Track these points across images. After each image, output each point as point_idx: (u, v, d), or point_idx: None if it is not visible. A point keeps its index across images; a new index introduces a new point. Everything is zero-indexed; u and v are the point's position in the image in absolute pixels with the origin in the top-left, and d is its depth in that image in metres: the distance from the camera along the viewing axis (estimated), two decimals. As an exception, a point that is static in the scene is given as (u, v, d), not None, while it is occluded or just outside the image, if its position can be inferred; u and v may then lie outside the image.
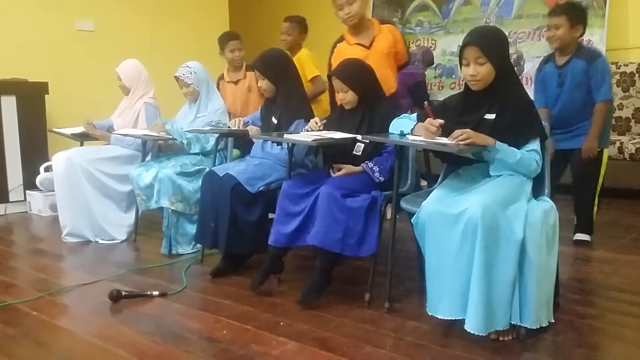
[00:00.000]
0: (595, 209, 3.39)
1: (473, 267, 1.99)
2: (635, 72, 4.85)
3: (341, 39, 3.32)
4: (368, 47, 3.20)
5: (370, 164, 2.62)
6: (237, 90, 4.09)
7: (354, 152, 2.67)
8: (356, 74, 2.68)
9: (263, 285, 2.67)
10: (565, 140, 3.34)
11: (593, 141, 3.27)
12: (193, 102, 3.61)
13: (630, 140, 4.52)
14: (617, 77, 4.88)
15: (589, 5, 4.97)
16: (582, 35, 3.32)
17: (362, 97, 2.68)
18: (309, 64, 3.99)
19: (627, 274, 2.90)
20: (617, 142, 4.49)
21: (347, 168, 2.66)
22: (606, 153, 3.37)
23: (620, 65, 4.89)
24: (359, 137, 2.59)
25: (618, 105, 4.87)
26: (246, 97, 4.06)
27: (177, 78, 3.53)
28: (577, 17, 3.27)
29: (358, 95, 2.67)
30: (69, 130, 3.91)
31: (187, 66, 3.54)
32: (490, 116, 2.27)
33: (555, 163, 3.02)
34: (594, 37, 4.87)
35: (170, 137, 3.46)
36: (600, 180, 3.35)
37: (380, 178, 2.59)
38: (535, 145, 2.25)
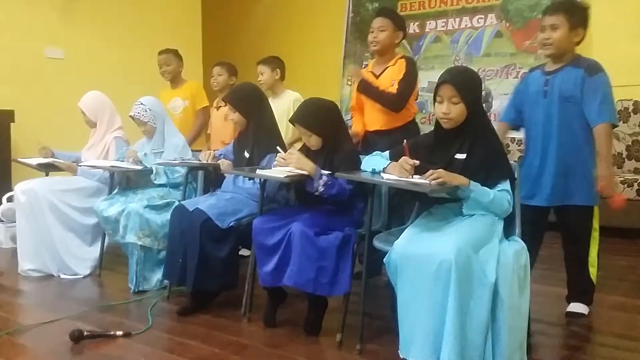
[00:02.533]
0: (595, 269, 2.80)
1: (447, 309, 1.97)
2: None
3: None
4: (377, 76, 3.29)
5: (325, 177, 2.50)
6: (218, 115, 4.12)
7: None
8: (317, 118, 2.66)
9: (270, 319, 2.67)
10: (553, 192, 2.67)
11: (605, 169, 2.60)
12: (150, 137, 3.55)
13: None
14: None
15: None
16: (581, 42, 2.69)
17: (325, 139, 2.67)
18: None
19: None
20: (635, 184, 4.42)
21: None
22: (597, 210, 2.76)
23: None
24: (325, 172, 2.54)
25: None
26: (223, 125, 4.07)
27: (132, 117, 3.47)
28: (579, 17, 2.65)
29: (321, 138, 2.66)
30: (34, 161, 3.81)
31: (142, 103, 3.46)
32: (461, 156, 2.29)
33: (531, 223, 2.57)
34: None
35: (139, 167, 3.39)
36: (597, 234, 2.78)
37: (320, 189, 2.48)
38: (506, 185, 2.27)
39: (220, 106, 4.15)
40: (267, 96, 3.83)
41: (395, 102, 3.18)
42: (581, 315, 2.79)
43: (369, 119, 3.34)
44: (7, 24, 4.97)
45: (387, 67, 3.28)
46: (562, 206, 2.73)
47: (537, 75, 2.77)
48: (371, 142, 3.28)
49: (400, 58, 3.31)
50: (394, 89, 3.17)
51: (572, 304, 2.84)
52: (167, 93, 4.48)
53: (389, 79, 3.24)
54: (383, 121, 3.26)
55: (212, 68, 4.33)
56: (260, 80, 3.94)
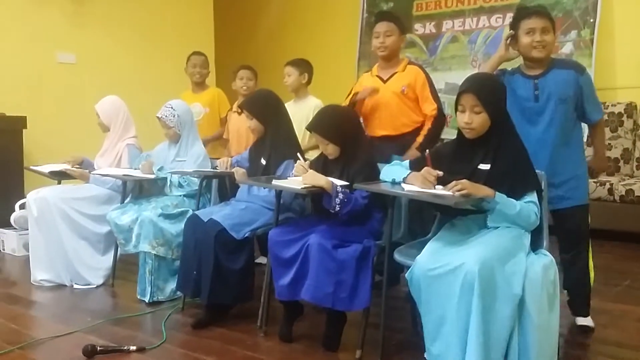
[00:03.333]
0: (592, 275, 2.78)
1: (470, 324, 1.89)
2: (623, 112, 4.84)
3: (369, 70, 3.38)
4: (384, 82, 3.23)
5: (341, 194, 2.41)
6: (241, 120, 4.02)
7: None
8: (334, 126, 2.58)
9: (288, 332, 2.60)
10: (549, 194, 2.50)
11: (604, 159, 2.84)
12: (173, 143, 3.48)
13: (620, 181, 4.48)
14: (606, 117, 4.86)
15: (576, 46, 4.99)
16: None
17: (343, 148, 2.59)
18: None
19: (623, 325, 2.81)
20: (607, 184, 4.44)
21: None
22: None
23: (608, 106, 4.88)
24: (340, 182, 2.46)
25: (607, 146, 4.84)
26: (246, 128, 3.98)
27: (159, 118, 3.41)
28: (554, 22, 2.65)
29: (338, 147, 2.59)
30: (47, 168, 3.76)
31: (171, 107, 3.39)
32: (485, 166, 2.21)
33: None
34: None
35: (152, 175, 3.33)
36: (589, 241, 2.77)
37: (337, 208, 2.39)
38: (532, 197, 2.19)
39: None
40: (289, 99, 3.79)
41: (439, 121, 3.20)
42: (592, 329, 2.72)
43: (376, 124, 3.25)
44: (18, 30, 4.94)
45: (396, 73, 3.20)
46: (558, 209, 2.62)
47: (520, 79, 2.64)
48: (378, 148, 3.18)
49: (409, 64, 3.25)
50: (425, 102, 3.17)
51: (580, 319, 2.76)
52: (188, 96, 4.35)
53: (399, 85, 3.17)
54: (391, 127, 3.18)
55: (237, 71, 4.17)
56: (286, 82, 3.83)
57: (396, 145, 3.11)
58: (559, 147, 2.60)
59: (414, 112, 3.20)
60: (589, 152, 2.78)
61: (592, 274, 2.75)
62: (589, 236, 2.73)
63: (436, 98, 3.20)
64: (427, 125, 3.17)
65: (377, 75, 3.28)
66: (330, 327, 2.50)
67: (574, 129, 2.66)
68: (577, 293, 2.74)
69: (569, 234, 2.68)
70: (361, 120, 3.19)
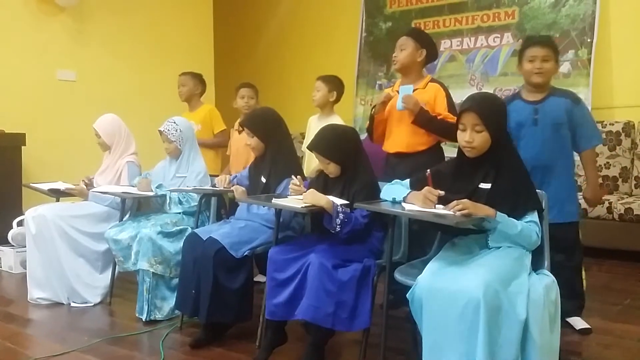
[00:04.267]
0: (584, 282, 2.99)
1: (477, 349, 1.87)
2: (621, 131, 4.86)
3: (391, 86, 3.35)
4: None
5: (342, 214, 2.39)
6: (240, 139, 4.02)
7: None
8: (334, 146, 2.57)
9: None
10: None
11: (597, 189, 2.97)
12: (174, 159, 3.48)
13: (619, 200, 4.49)
14: (603, 135, 4.88)
15: (574, 65, 5.03)
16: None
17: (344, 167, 2.59)
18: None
19: (626, 345, 2.79)
20: (606, 202, 4.44)
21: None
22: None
23: (606, 125, 4.90)
24: (340, 201, 2.45)
25: (605, 165, 4.86)
26: (244, 147, 3.98)
27: (160, 132, 3.41)
28: (557, 51, 2.89)
29: (339, 166, 2.58)
30: (46, 186, 3.75)
31: (174, 122, 3.40)
32: (486, 186, 2.21)
33: None
34: (580, 96, 4.87)
35: (151, 193, 3.33)
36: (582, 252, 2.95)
37: (337, 228, 2.38)
38: (533, 216, 2.18)
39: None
40: (314, 114, 3.81)
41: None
42: (589, 329, 2.90)
43: (393, 140, 3.18)
44: (18, 47, 4.95)
45: (416, 90, 3.11)
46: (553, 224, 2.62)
47: (520, 104, 2.89)
48: (392, 164, 3.16)
49: (431, 82, 3.17)
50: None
51: (576, 319, 2.94)
52: (185, 115, 4.40)
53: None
54: (406, 144, 3.11)
55: (238, 89, 4.17)
56: (314, 96, 3.76)
57: (411, 163, 3.01)
58: (549, 168, 2.80)
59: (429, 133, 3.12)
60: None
61: (584, 282, 2.94)
62: (581, 247, 2.92)
63: (455, 114, 3.01)
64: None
65: (397, 90, 3.18)
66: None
67: (570, 153, 2.90)
68: (572, 297, 2.85)
69: (562, 246, 2.72)
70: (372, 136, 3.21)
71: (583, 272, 2.98)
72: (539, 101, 2.85)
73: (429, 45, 3.20)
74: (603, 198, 4.46)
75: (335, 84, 3.76)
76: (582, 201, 3.10)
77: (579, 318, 2.96)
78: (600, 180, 4.50)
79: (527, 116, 2.84)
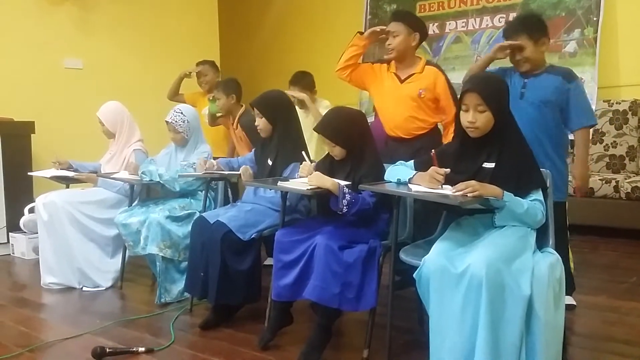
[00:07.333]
0: (572, 264, 2.96)
1: (478, 327, 1.89)
2: (628, 109, 4.84)
3: (386, 61, 3.25)
4: (402, 81, 3.15)
5: (348, 195, 2.41)
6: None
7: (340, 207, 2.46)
8: (341, 129, 2.58)
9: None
10: None
11: (585, 170, 2.90)
12: (180, 146, 3.50)
13: (626, 178, 4.48)
14: (610, 114, 4.88)
15: (580, 44, 4.99)
16: (547, 47, 2.86)
17: (350, 150, 2.60)
18: None
19: (631, 323, 2.81)
20: (613, 181, 4.44)
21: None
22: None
23: (613, 103, 4.88)
24: (345, 183, 2.46)
25: (612, 144, 4.86)
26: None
27: (168, 122, 3.43)
28: (538, 29, 2.79)
29: (345, 149, 2.59)
30: (49, 173, 3.79)
31: (181, 112, 3.41)
32: (489, 165, 2.21)
33: None
34: (586, 75, 4.86)
35: (137, 177, 3.36)
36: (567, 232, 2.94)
37: (344, 209, 2.39)
38: (538, 195, 2.19)
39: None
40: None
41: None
42: (573, 306, 2.93)
43: (393, 124, 3.20)
44: (25, 36, 4.98)
45: (414, 74, 3.12)
46: None
47: (515, 77, 2.84)
48: (391, 148, 3.17)
49: (427, 65, 3.16)
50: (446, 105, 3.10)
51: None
52: (202, 100, 4.48)
53: (416, 88, 3.09)
54: (405, 129, 3.14)
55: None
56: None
57: (411, 147, 3.04)
58: (534, 145, 2.60)
59: (429, 116, 3.14)
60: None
61: (571, 264, 2.92)
62: (566, 227, 2.89)
63: (455, 101, 3.06)
64: (449, 129, 3.07)
65: (394, 73, 3.19)
66: (312, 341, 2.42)
67: (560, 132, 2.84)
68: None
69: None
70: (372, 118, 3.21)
71: (570, 253, 2.93)
72: (531, 76, 2.80)
73: (420, 28, 3.18)
74: (609, 176, 4.46)
75: (303, 83, 3.97)
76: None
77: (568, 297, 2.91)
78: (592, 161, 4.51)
79: (515, 89, 2.76)
